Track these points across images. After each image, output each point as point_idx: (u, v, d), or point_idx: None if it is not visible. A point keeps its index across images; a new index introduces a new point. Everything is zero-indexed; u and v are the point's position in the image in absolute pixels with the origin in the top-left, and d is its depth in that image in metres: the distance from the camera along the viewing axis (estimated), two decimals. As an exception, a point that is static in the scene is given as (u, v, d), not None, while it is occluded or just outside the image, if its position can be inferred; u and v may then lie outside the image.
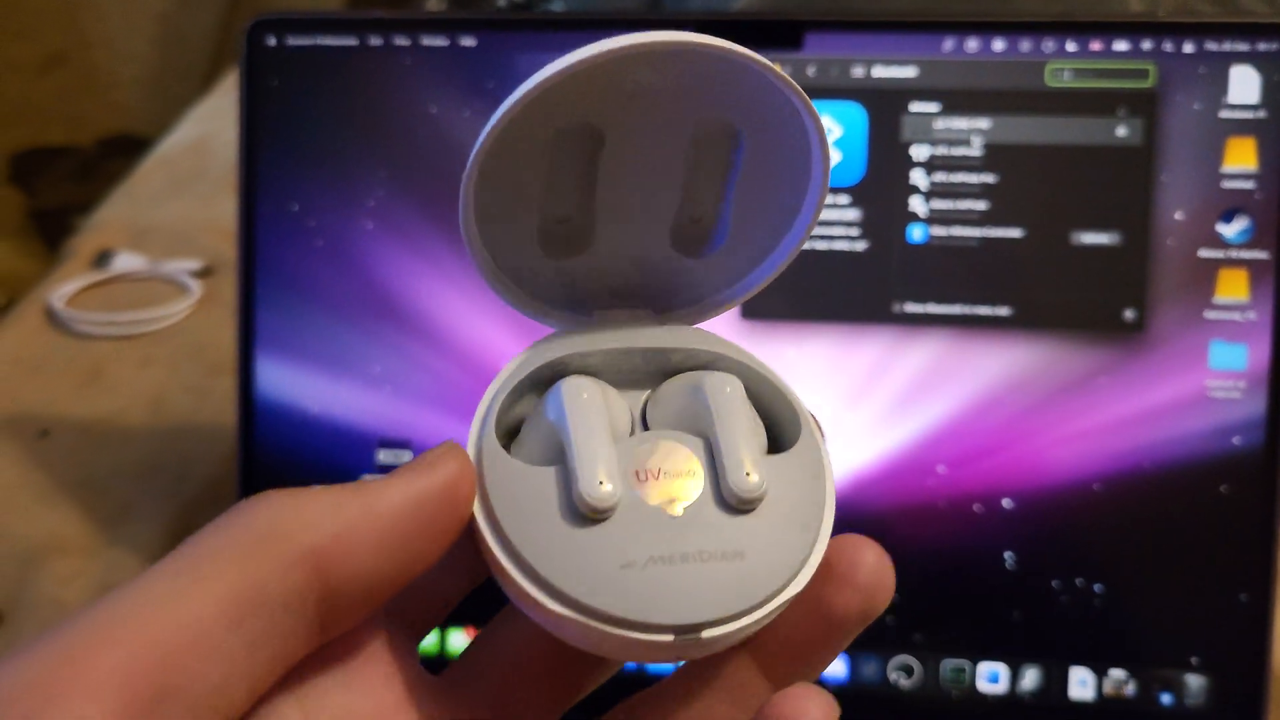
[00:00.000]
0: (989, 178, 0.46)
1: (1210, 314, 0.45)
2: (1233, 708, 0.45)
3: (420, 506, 0.20)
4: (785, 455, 0.21)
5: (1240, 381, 0.44)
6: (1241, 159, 0.44)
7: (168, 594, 0.18)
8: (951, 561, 0.46)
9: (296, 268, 0.49)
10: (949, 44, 0.46)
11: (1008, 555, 0.46)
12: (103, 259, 0.78)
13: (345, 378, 0.49)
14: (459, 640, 0.48)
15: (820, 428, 0.23)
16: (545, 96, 0.20)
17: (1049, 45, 0.45)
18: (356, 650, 0.21)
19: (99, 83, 1.65)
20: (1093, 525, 0.46)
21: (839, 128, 0.46)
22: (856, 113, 0.46)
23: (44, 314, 0.74)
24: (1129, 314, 0.45)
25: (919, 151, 0.46)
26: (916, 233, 0.46)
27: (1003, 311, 0.46)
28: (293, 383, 0.49)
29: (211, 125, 0.95)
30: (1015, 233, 0.46)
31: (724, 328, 0.47)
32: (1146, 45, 0.44)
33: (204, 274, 0.77)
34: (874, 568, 0.22)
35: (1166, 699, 0.46)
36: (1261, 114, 0.44)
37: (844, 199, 0.46)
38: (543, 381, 0.21)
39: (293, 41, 0.48)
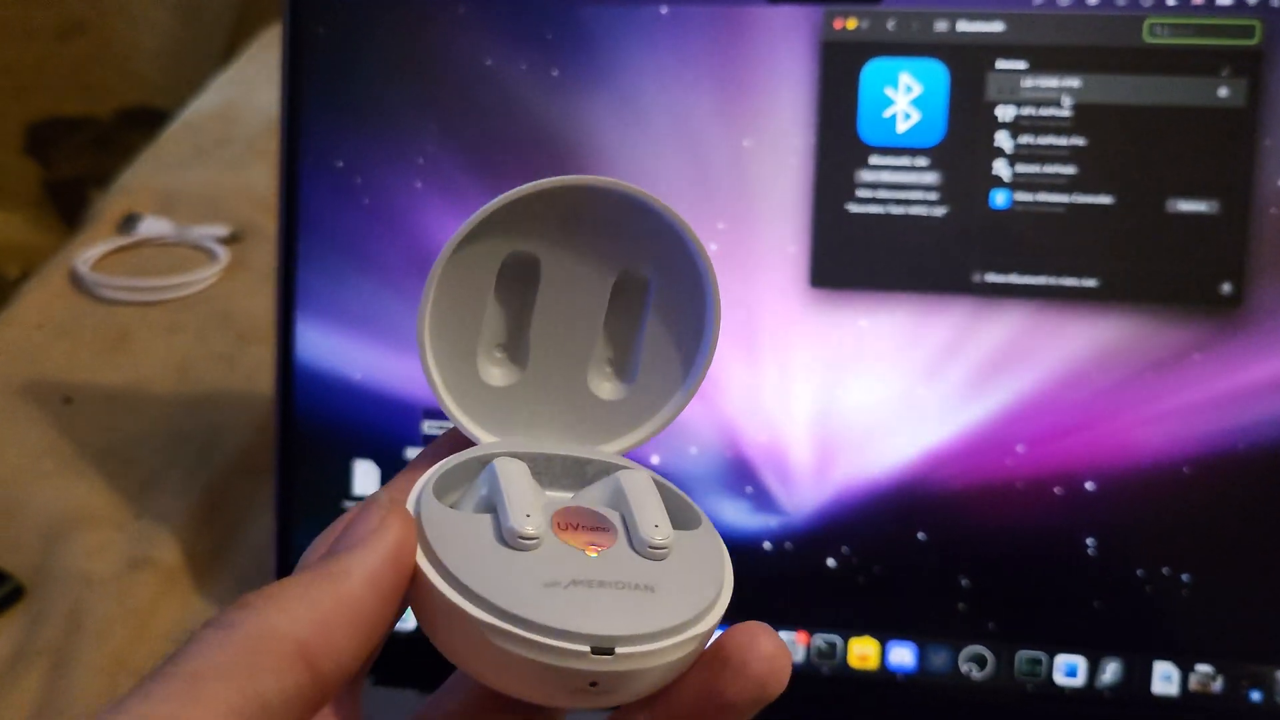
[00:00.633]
0: (1078, 141, 0.43)
1: (1313, 288, 0.42)
2: (1327, 706, 0.43)
3: (380, 577, 0.21)
4: (689, 532, 0.24)
5: (1344, 361, 0.42)
6: (1351, 124, 0.42)
7: (171, 713, 0.19)
8: (1029, 546, 0.44)
9: (340, 227, 0.46)
10: (1038, -2, 0.43)
11: (1089, 541, 0.44)
12: (128, 223, 0.75)
13: (390, 344, 0.46)
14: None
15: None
16: (495, 218, 0.23)
17: None
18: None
19: (117, 53, 1.62)
20: (1181, 510, 0.43)
21: (918, 85, 0.44)
22: (937, 70, 0.43)
23: (68, 278, 0.72)
24: (1226, 287, 0.43)
25: (1004, 112, 0.43)
26: (999, 198, 0.43)
27: (1090, 283, 0.43)
28: (335, 348, 0.47)
29: (238, 91, 0.93)
30: (1105, 200, 0.43)
31: (792, 296, 0.44)
32: (1253, 0, 0.42)
33: (232, 240, 0.75)
34: (769, 659, 0.22)
35: (1256, 696, 0.43)
36: (1373, 76, 0.41)
37: (922, 161, 0.44)
38: (473, 468, 0.24)
39: (340, -13, 0.46)
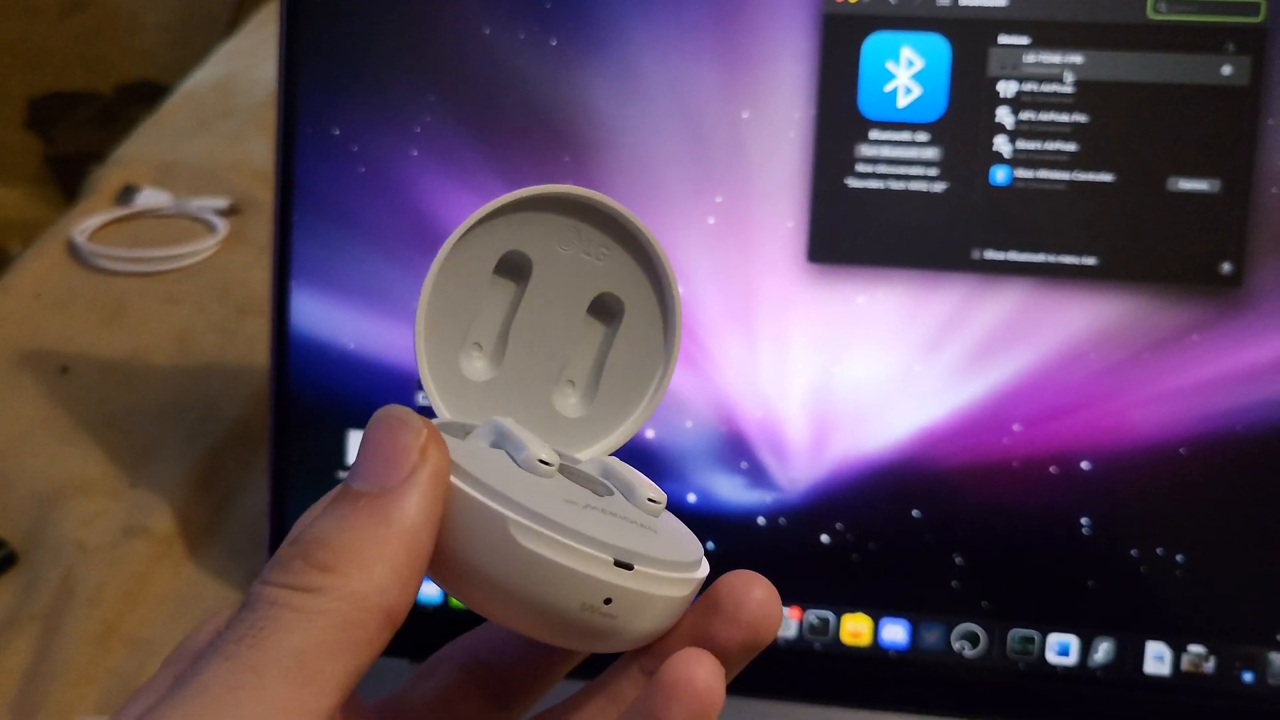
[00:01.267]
0: (1080, 117, 0.43)
1: (1313, 269, 0.42)
2: (1319, 688, 0.43)
3: (434, 513, 0.21)
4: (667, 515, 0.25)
5: (1343, 342, 0.42)
6: (1355, 103, 0.41)
7: (288, 701, 0.19)
8: (1024, 525, 0.44)
9: (336, 196, 0.46)
10: (1042, -28, 0.42)
11: (1084, 521, 0.43)
12: (126, 194, 0.75)
13: (385, 314, 0.46)
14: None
15: None
16: (503, 212, 0.24)
17: (1151, -24, 0.42)
18: None
19: (119, 28, 1.62)
20: (1177, 491, 0.43)
21: (920, 60, 0.43)
22: (939, 45, 0.43)
23: (65, 248, 0.72)
24: (1226, 267, 0.42)
25: (1006, 88, 0.43)
26: (1000, 175, 0.43)
27: (1089, 261, 0.43)
28: (330, 318, 0.47)
29: (240, 63, 0.93)
30: (1106, 177, 0.43)
31: (790, 271, 0.44)
32: (1258, -23, 0.41)
33: (230, 212, 0.74)
34: (760, 603, 0.23)
35: (1248, 677, 0.43)
36: (1379, 55, 0.41)
37: (922, 136, 0.43)
38: (457, 430, 0.24)
39: (339, -46, 0.45)
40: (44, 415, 0.59)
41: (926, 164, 0.43)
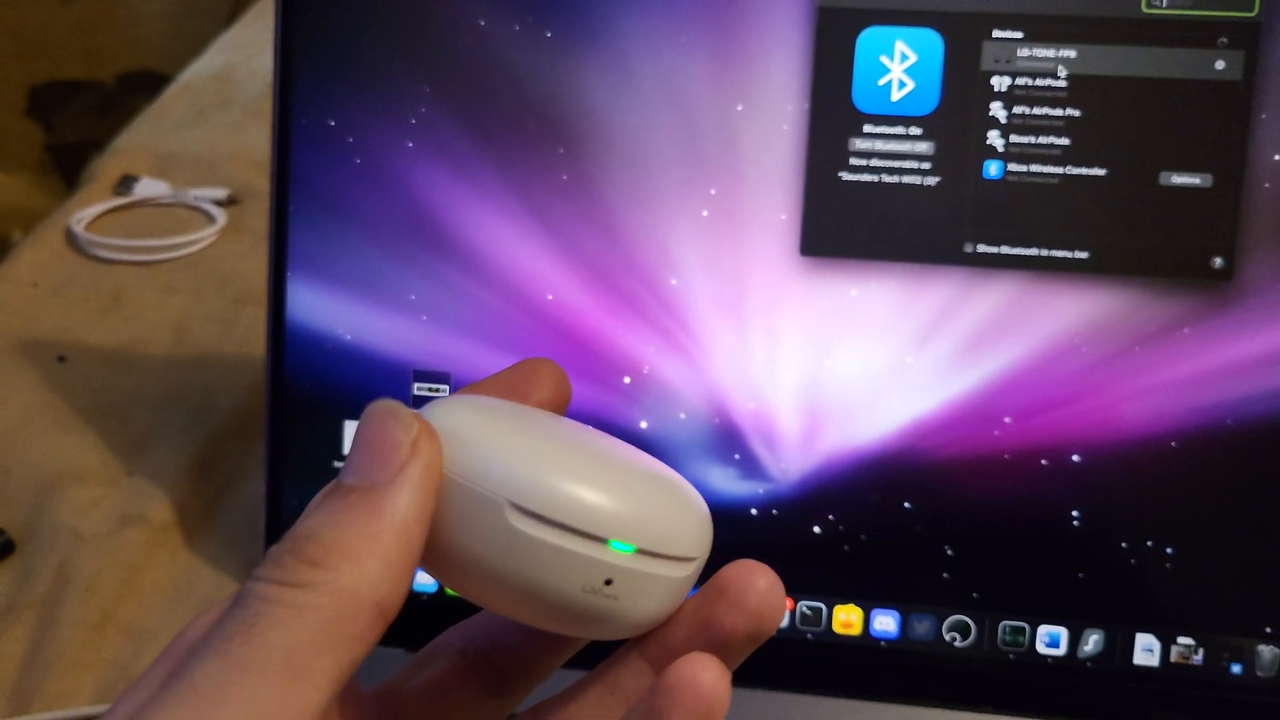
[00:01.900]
0: (1073, 112, 0.43)
1: (1304, 264, 0.42)
2: (1307, 680, 0.43)
3: (426, 507, 0.21)
4: None
5: (1333, 337, 0.42)
6: (1346, 99, 0.41)
7: (279, 698, 0.19)
8: (1014, 518, 0.44)
9: (333, 187, 0.46)
10: (1036, -33, 0.43)
11: (1074, 513, 0.44)
12: (125, 184, 0.75)
13: (381, 304, 0.46)
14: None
15: None
16: None
17: (1144, -29, 0.42)
18: None
19: (120, 17, 1.61)
20: (1167, 484, 0.43)
21: (913, 53, 0.43)
22: (932, 39, 0.43)
23: (64, 237, 0.72)
24: (1217, 261, 0.42)
25: (999, 82, 0.43)
26: (992, 169, 0.43)
27: (1081, 255, 0.43)
28: (326, 309, 0.47)
29: (238, 54, 0.93)
30: (1098, 171, 0.43)
31: (782, 263, 0.44)
32: (1251, -28, 0.41)
33: (229, 203, 0.74)
34: (765, 592, 0.23)
35: (1236, 669, 0.43)
36: (1371, 51, 0.41)
37: (916, 130, 0.44)
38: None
39: (335, -55, 0.45)
40: (41, 404, 0.59)
41: (919, 158, 0.44)
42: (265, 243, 0.47)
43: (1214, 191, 0.42)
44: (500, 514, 0.21)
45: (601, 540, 0.21)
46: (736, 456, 0.45)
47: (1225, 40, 0.42)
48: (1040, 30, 0.43)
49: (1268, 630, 0.43)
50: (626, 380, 0.44)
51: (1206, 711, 0.44)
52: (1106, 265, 0.43)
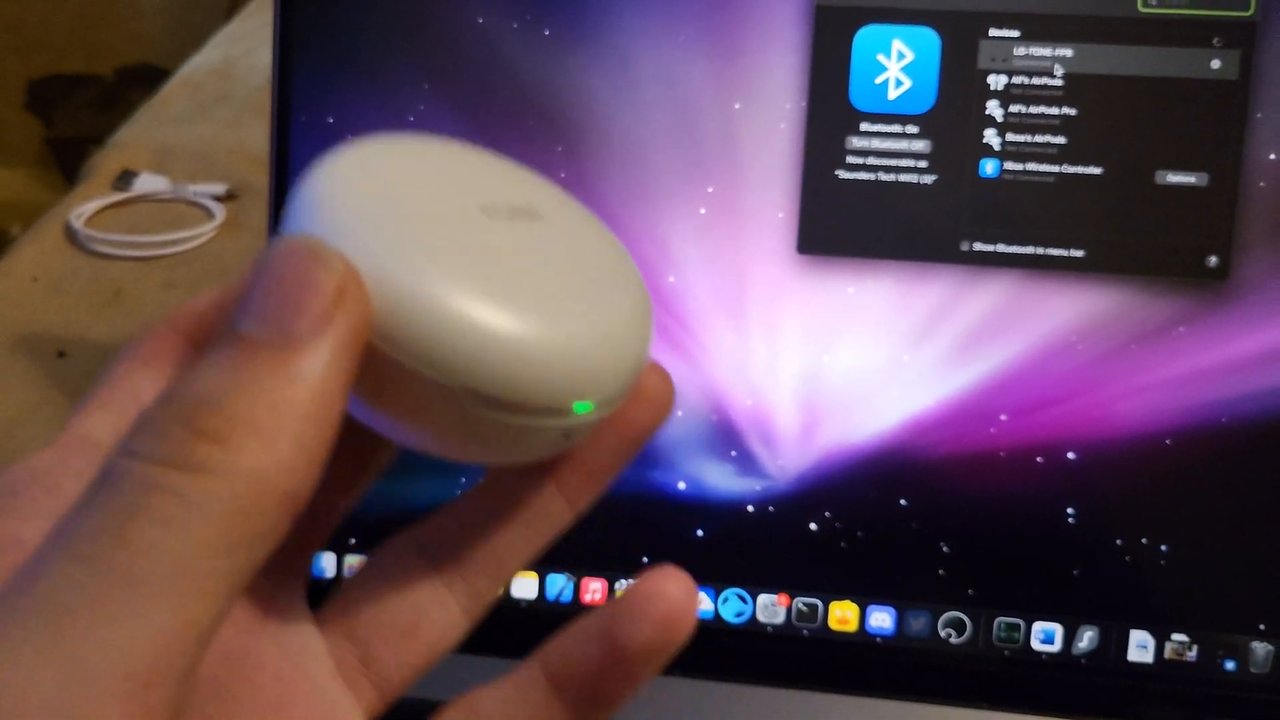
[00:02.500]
0: (1069, 110, 0.43)
1: (1299, 263, 0.42)
2: (1300, 677, 0.43)
3: (349, 375, 0.17)
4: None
5: (1327, 335, 0.42)
6: (1342, 98, 0.41)
7: (167, 620, 0.15)
8: (1010, 515, 0.44)
9: (331, 184, 0.46)
10: (1033, -35, 0.43)
11: (1070, 510, 0.44)
12: (124, 179, 0.75)
13: (379, 301, 0.47)
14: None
15: None
16: None
17: (1141, -30, 0.42)
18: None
19: (119, 10, 1.61)
20: (1162, 482, 0.43)
21: (910, 52, 0.43)
22: (929, 37, 0.43)
23: (63, 232, 0.72)
24: (1212, 260, 0.43)
25: (996, 81, 0.43)
26: (989, 167, 0.43)
27: (1077, 254, 0.43)
28: (324, 305, 0.47)
29: (237, 48, 0.93)
30: (1095, 170, 0.43)
31: (779, 261, 0.44)
32: (1247, -28, 0.42)
33: (228, 198, 0.75)
34: (674, 601, 0.21)
35: (1230, 665, 0.44)
36: (1366, 50, 0.41)
37: (912, 128, 0.44)
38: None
39: (334, -58, 0.45)
40: (40, 399, 0.59)
41: (916, 156, 0.44)
42: (263, 238, 0.47)
43: (1210, 190, 0.42)
44: (454, 401, 0.19)
45: (565, 411, 0.20)
46: (733, 453, 0.45)
47: (1221, 40, 0.42)
48: (1037, 29, 0.43)
49: (1261, 627, 0.43)
50: (624, 377, 0.45)
51: (1201, 708, 0.44)
52: (1102, 263, 0.43)
